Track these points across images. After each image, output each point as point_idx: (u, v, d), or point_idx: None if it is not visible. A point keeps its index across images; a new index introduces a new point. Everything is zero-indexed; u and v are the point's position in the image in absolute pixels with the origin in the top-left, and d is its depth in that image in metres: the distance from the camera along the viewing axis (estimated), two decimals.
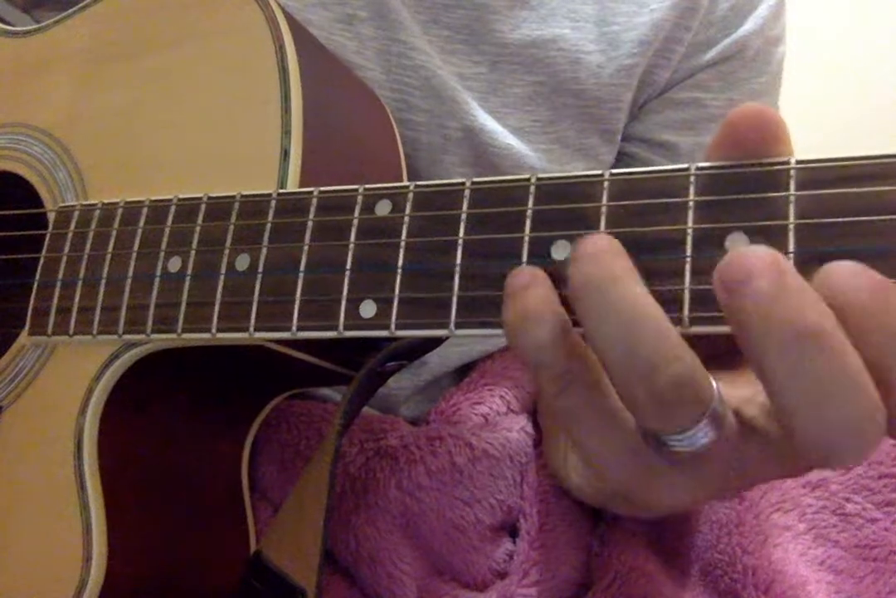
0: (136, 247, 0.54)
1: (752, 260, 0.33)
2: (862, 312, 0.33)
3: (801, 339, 0.32)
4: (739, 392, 0.39)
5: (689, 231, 0.38)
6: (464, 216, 0.44)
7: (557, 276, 0.38)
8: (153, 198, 0.54)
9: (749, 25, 0.77)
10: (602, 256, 0.36)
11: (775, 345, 0.32)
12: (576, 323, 0.37)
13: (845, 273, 0.33)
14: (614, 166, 0.79)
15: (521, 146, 0.73)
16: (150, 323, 0.52)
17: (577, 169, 0.73)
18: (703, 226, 0.38)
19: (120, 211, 0.55)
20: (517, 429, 0.70)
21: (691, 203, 0.39)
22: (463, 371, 0.78)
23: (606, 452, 0.39)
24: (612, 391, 0.38)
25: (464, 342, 0.75)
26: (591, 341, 0.36)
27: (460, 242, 0.43)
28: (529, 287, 0.37)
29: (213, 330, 0.50)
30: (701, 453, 0.37)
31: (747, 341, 0.33)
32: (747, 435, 0.38)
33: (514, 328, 0.37)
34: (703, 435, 0.36)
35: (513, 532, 0.68)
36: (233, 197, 0.51)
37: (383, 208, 0.46)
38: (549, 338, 0.37)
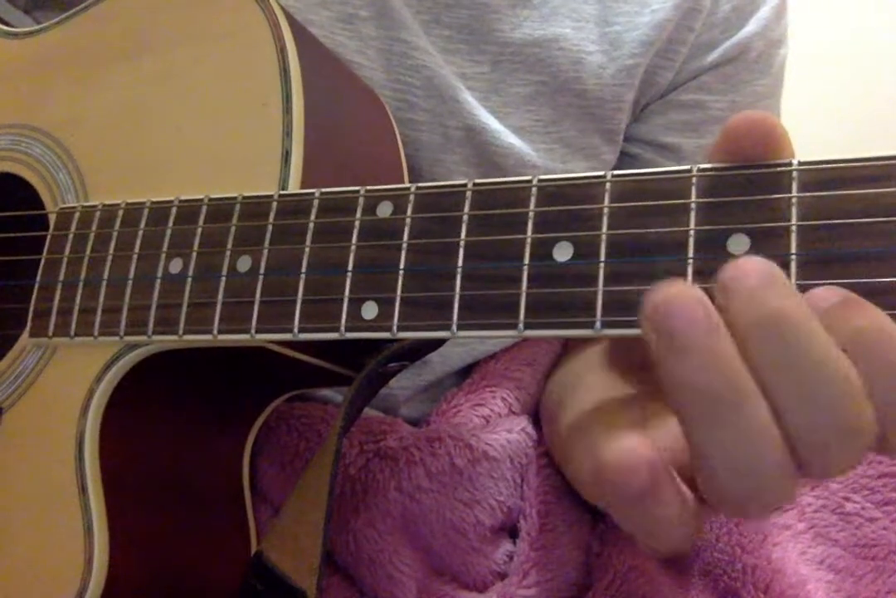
0: (137, 248, 0.54)
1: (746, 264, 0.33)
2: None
3: (777, 323, 0.32)
4: None
5: (692, 233, 0.38)
6: (465, 218, 0.44)
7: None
8: (154, 199, 0.54)
9: (751, 27, 0.77)
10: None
11: (758, 331, 0.33)
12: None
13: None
14: (617, 167, 0.79)
15: (522, 146, 0.73)
16: (151, 324, 0.52)
17: (579, 169, 0.74)
18: (705, 227, 0.38)
19: (121, 212, 0.55)
20: (517, 430, 0.70)
21: (693, 205, 0.39)
22: (465, 372, 0.78)
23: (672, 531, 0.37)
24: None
25: (466, 343, 0.75)
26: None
27: (462, 243, 0.43)
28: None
29: (215, 331, 0.50)
30: None
31: (735, 328, 0.33)
32: None
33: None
34: None
35: (513, 533, 0.68)
36: (234, 198, 0.51)
37: (385, 210, 0.46)
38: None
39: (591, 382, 0.56)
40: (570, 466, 0.49)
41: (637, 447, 0.34)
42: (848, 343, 0.33)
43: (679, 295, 0.33)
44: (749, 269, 0.33)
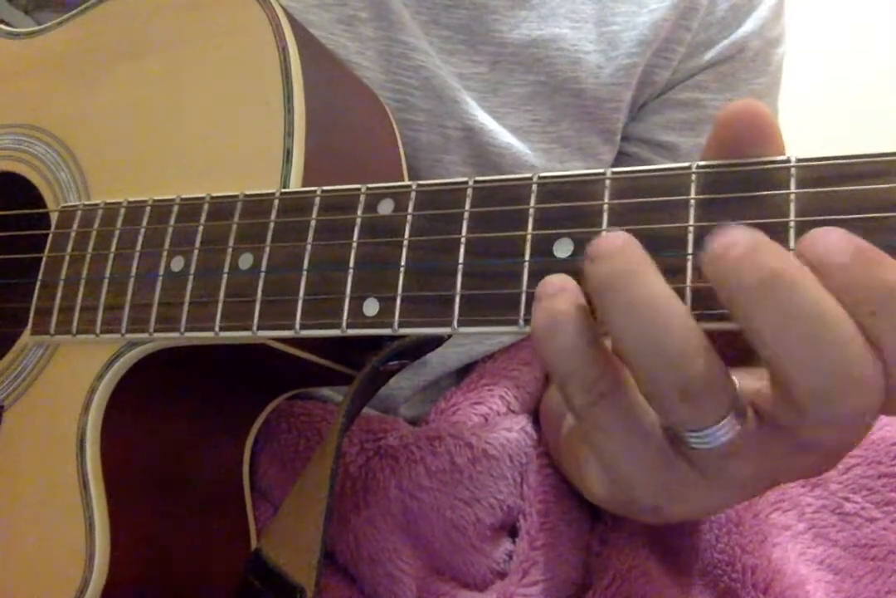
0: (138, 246, 0.54)
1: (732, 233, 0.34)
2: (842, 271, 0.33)
3: (773, 279, 0.33)
4: (749, 386, 0.39)
5: (691, 229, 0.39)
6: (466, 215, 0.44)
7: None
8: (156, 198, 0.55)
9: (748, 26, 0.77)
10: (621, 251, 0.35)
11: (751, 293, 0.33)
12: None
13: (828, 237, 0.34)
14: (615, 166, 0.79)
15: (520, 146, 0.73)
16: (153, 322, 0.52)
17: (577, 168, 0.73)
18: (704, 224, 0.38)
19: (122, 211, 0.56)
20: (517, 429, 0.70)
21: (692, 201, 0.39)
22: (463, 372, 0.78)
23: (636, 467, 0.39)
24: (643, 404, 0.38)
25: (464, 343, 0.75)
26: (616, 339, 0.36)
27: (463, 240, 0.43)
28: (557, 294, 0.37)
29: (216, 329, 0.50)
30: (725, 452, 0.37)
31: (729, 301, 0.34)
32: (767, 430, 0.37)
33: (540, 335, 0.37)
34: (725, 431, 0.36)
35: (512, 532, 0.68)
36: (236, 196, 0.51)
37: (386, 207, 0.46)
38: (576, 344, 0.37)
39: None
40: (574, 461, 0.49)
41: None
42: (873, 303, 0.33)
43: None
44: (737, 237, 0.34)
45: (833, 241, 0.33)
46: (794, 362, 0.33)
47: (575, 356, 0.37)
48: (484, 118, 0.72)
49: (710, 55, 0.77)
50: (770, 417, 0.37)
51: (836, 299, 0.33)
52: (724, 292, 0.34)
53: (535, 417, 0.74)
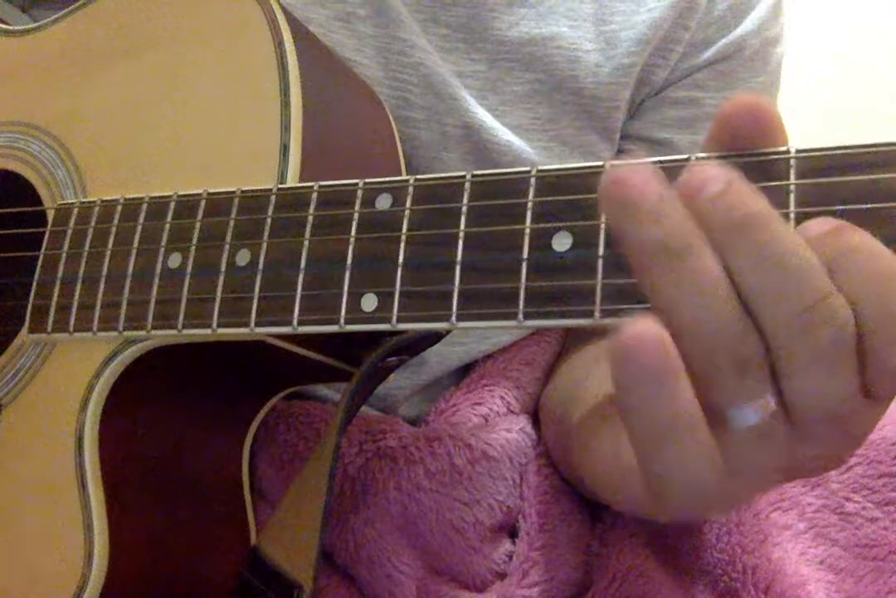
0: (135, 243, 0.54)
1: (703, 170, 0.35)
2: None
3: (747, 222, 0.34)
4: None
5: None
6: (464, 209, 0.44)
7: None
8: (152, 195, 0.54)
9: (747, 25, 0.77)
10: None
11: (728, 233, 0.34)
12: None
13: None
14: None
15: (519, 144, 0.73)
16: (150, 319, 0.52)
17: None
18: None
19: (119, 208, 0.56)
20: (517, 430, 0.70)
21: None
22: (462, 372, 0.78)
23: (684, 468, 0.38)
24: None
25: (464, 342, 0.75)
26: (673, 314, 0.35)
27: (461, 234, 0.43)
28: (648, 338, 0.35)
29: (214, 325, 0.50)
30: (759, 432, 0.37)
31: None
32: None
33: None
34: (763, 406, 0.36)
35: (512, 533, 0.68)
36: (233, 192, 0.51)
37: (384, 202, 0.46)
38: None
39: (600, 373, 0.56)
40: (588, 453, 0.48)
41: (651, 326, 0.34)
42: (836, 259, 0.34)
43: (633, 170, 0.36)
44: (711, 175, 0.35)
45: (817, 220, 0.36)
46: (774, 295, 0.34)
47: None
48: (483, 116, 0.72)
49: (708, 54, 0.77)
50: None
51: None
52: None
53: (535, 418, 0.74)
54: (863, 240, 0.34)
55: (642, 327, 0.34)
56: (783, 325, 0.34)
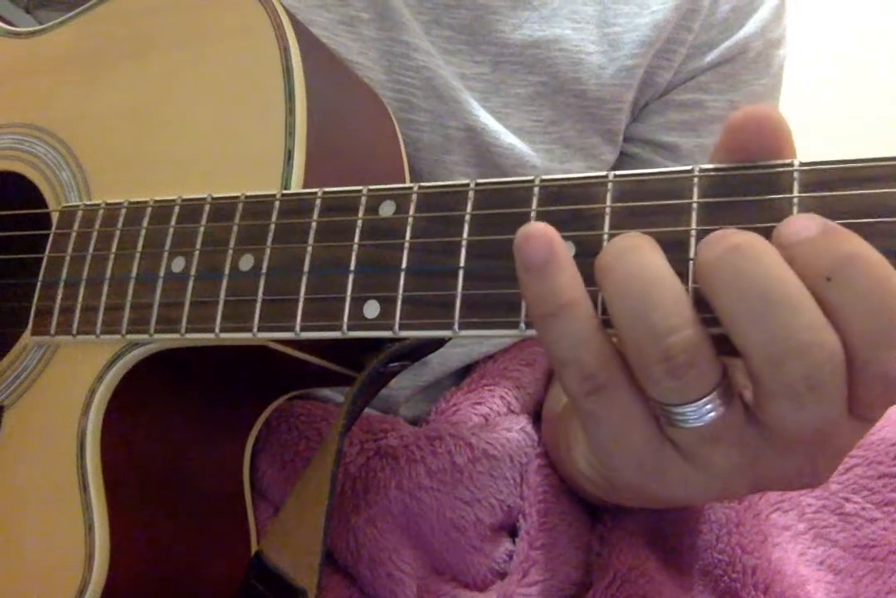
0: (139, 247, 0.54)
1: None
2: (806, 244, 0.35)
3: (737, 249, 0.34)
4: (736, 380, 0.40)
5: (693, 233, 0.38)
6: (468, 217, 0.44)
7: None
8: (157, 198, 0.54)
9: (750, 28, 0.77)
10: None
11: (709, 267, 0.35)
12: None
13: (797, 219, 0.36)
14: (615, 167, 0.79)
15: (522, 146, 0.73)
16: (153, 323, 0.52)
17: (578, 169, 0.74)
18: (706, 227, 0.38)
19: (123, 211, 0.55)
20: (517, 429, 0.70)
21: (695, 205, 0.39)
22: (463, 372, 0.78)
23: (625, 450, 0.40)
24: (639, 394, 0.38)
25: (464, 343, 0.75)
26: (609, 308, 0.37)
27: (464, 242, 0.43)
28: (552, 265, 0.37)
29: (217, 330, 0.50)
30: (709, 435, 0.37)
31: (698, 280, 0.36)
32: (749, 419, 0.38)
33: (544, 318, 0.38)
34: (711, 407, 0.37)
35: (513, 532, 0.68)
36: (237, 197, 0.51)
37: (387, 209, 0.46)
38: (578, 331, 0.37)
39: None
40: (565, 439, 0.49)
41: (544, 225, 0.37)
42: (829, 270, 0.34)
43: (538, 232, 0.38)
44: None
45: (801, 219, 0.35)
46: (749, 329, 0.34)
47: (576, 344, 0.37)
48: (486, 118, 0.72)
49: (711, 56, 0.77)
50: (754, 410, 0.38)
51: (797, 273, 0.34)
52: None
53: (536, 418, 0.74)
54: (857, 249, 0.34)
55: (534, 225, 0.37)
56: (758, 354, 0.35)
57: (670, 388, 0.36)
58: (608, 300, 0.37)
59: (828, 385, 0.35)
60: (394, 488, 0.65)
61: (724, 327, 0.35)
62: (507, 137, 0.72)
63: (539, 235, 0.37)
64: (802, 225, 0.35)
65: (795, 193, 0.37)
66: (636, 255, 0.36)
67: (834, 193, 0.36)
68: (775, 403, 0.36)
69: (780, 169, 0.38)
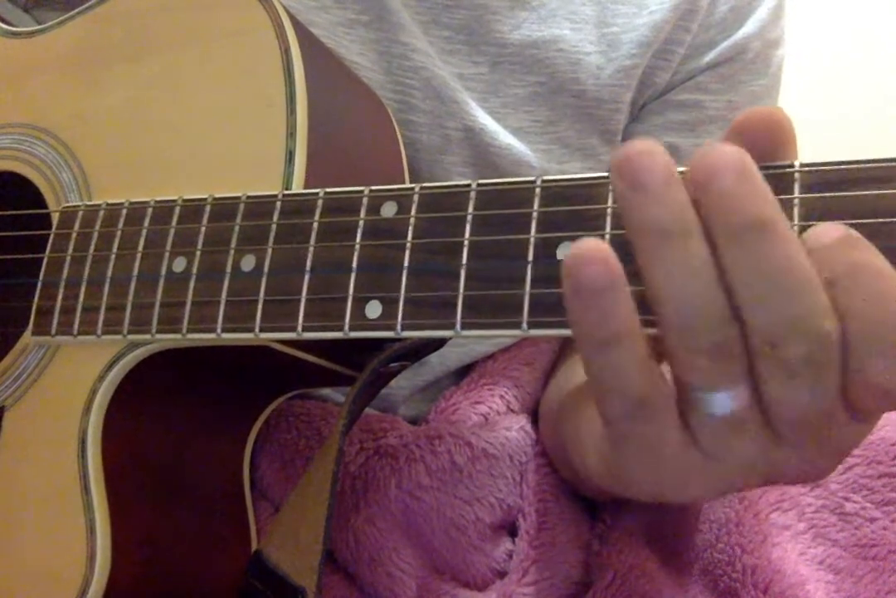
0: (140, 247, 0.54)
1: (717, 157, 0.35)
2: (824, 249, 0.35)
3: (752, 228, 0.34)
4: None
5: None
6: (470, 217, 0.44)
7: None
8: (158, 198, 0.54)
9: (749, 28, 0.77)
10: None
11: (730, 235, 0.35)
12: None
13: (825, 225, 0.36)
14: None
15: (521, 146, 0.73)
16: (154, 323, 0.52)
17: (576, 169, 0.74)
18: None
19: (124, 211, 0.56)
20: (516, 428, 0.70)
21: None
22: (463, 372, 0.78)
23: (654, 463, 0.39)
24: (678, 410, 0.38)
25: (464, 343, 0.75)
26: (656, 294, 0.36)
27: (466, 243, 0.44)
28: (612, 292, 0.35)
29: (219, 330, 0.50)
30: (732, 423, 0.37)
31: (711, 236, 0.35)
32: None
33: (595, 346, 0.37)
34: (735, 395, 0.37)
35: (512, 531, 0.68)
36: (238, 198, 0.51)
37: (389, 210, 0.46)
38: (638, 363, 0.36)
39: None
40: (574, 431, 0.49)
41: (598, 244, 0.35)
42: (841, 276, 0.35)
43: (646, 150, 0.36)
44: (722, 165, 0.35)
45: (825, 226, 0.36)
46: (757, 304, 0.35)
47: (626, 373, 0.37)
48: (484, 119, 0.72)
49: (710, 57, 0.77)
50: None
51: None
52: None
53: (535, 417, 0.74)
54: (870, 259, 0.35)
55: (588, 244, 0.35)
56: (761, 332, 0.35)
57: (709, 372, 0.36)
58: (653, 279, 0.36)
59: (828, 368, 0.35)
60: (393, 487, 0.65)
61: (736, 301, 0.35)
62: (505, 138, 0.73)
63: (599, 257, 0.35)
64: (824, 232, 0.35)
65: (796, 194, 0.37)
66: (685, 241, 0.36)
67: (834, 193, 0.37)
68: (777, 383, 0.36)
69: (781, 170, 0.38)
